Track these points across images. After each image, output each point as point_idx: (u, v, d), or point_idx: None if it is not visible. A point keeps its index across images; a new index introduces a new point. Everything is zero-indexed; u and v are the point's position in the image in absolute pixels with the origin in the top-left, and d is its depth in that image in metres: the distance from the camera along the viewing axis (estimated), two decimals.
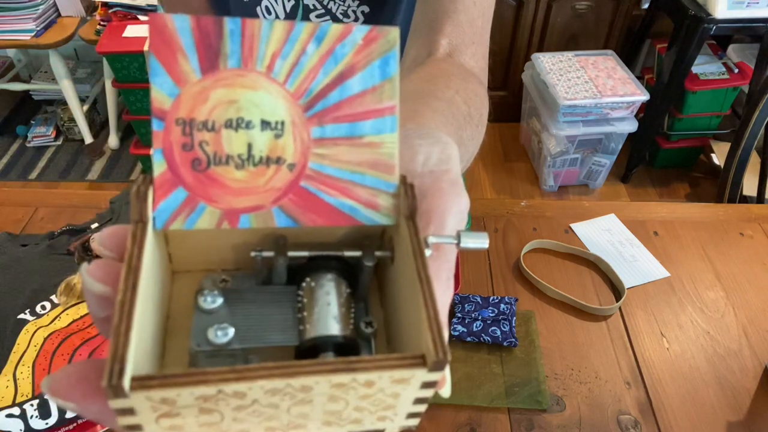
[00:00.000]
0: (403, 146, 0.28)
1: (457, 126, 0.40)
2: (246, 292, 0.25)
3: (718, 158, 2.32)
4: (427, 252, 0.23)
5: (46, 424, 0.64)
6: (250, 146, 0.23)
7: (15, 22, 2.16)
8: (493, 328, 0.77)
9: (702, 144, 2.33)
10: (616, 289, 0.85)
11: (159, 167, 0.23)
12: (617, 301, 0.83)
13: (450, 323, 0.77)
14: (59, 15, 2.31)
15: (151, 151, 0.24)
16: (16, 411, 0.64)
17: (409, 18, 0.59)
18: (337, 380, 0.19)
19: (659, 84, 2.14)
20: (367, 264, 0.25)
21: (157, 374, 0.18)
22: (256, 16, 0.71)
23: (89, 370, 0.20)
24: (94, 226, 0.89)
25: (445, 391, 0.24)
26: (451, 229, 0.26)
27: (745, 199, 1.71)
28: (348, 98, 0.24)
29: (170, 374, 0.18)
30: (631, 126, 2.06)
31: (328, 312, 0.24)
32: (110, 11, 2.18)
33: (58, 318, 0.75)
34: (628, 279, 0.86)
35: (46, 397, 0.65)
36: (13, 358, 0.70)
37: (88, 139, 2.56)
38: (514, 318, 0.78)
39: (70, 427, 0.64)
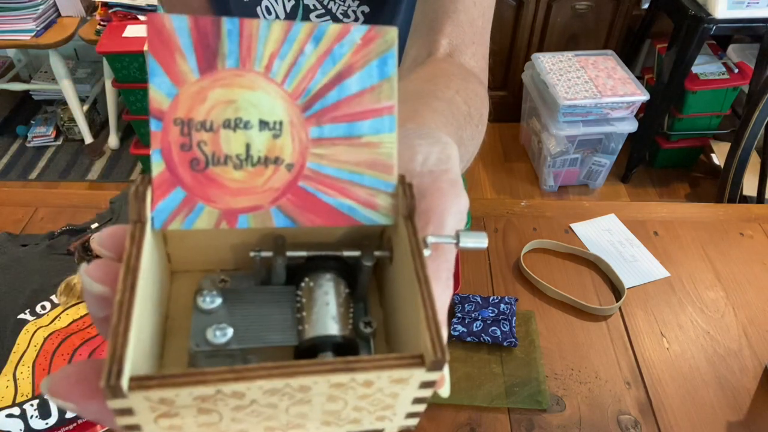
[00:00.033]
0: (402, 146, 0.28)
1: (457, 126, 0.40)
2: (245, 292, 0.25)
3: (718, 158, 2.32)
4: (426, 252, 0.23)
5: (46, 424, 0.64)
6: (248, 146, 0.23)
7: (15, 22, 2.16)
8: (493, 328, 0.77)
9: (702, 144, 2.33)
10: (616, 289, 0.85)
11: (157, 167, 0.23)
12: (617, 301, 0.83)
13: (450, 323, 0.77)
14: (59, 15, 2.31)
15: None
16: (16, 411, 0.64)
17: (409, 18, 0.59)
18: (335, 380, 0.19)
19: (659, 84, 2.14)
20: (366, 264, 0.25)
21: (156, 374, 0.18)
22: (256, 16, 0.71)
23: (88, 371, 0.20)
24: (94, 226, 0.89)
25: (444, 391, 0.24)
26: (450, 228, 0.26)
27: (745, 199, 1.71)
28: (346, 98, 0.24)
29: (168, 374, 0.18)
30: (631, 126, 2.06)
31: (326, 312, 0.24)
32: (110, 11, 2.18)
33: (58, 318, 0.75)
34: (628, 279, 0.86)
35: (46, 397, 0.65)
36: (13, 358, 0.70)
37: (88, 139, 2.56)
38: (514, 318, 0.78)
39: (70, 427, 0.64)
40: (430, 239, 0.24)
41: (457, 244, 0.25)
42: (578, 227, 0.95)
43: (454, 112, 0.41)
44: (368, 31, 0.23)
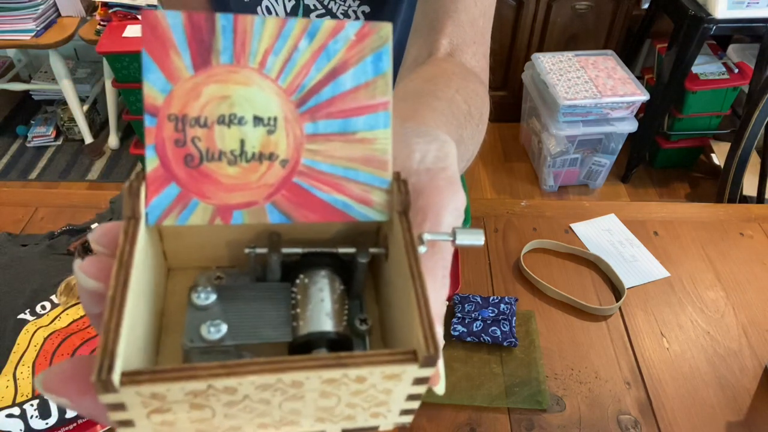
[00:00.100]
0: (400, 144, 0.28)
1: (457, 125, 0.40)
2: (239, 288, 0.25)
3: (718, 158, 2.32)
4: (423, 249, 0.23)
5: (46, 424, 0.64)
6: (242, 142, 0.23)
7: (15, 22, 2.16)
8: (493, 328, 0.77)
9: (702, 144, 2.33)
10: (616, 289, 0.85)
11: (151, 163, 0.23)
12: (617, 301, 0.83)
13: (450, 323, 0.77)
14: (59, 15, 2.31)
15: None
16: (16, 411, 0.64)
17: (410, 18, 0.59)
18: (327, 376, 0.19)
19: (659, 84, 2.14)
20: (361, 261, 0.25)
21: (147, 369, 0.18)
22: None
23: (83, 367, 0.20)
24: (93, 226, 0.89)
25: (440, 388, 0.24)
26: (447, 226, 0.26)
27: (745, 199, 1.71)
28: (341, 94, 0.24)
29: (160, 369, 0.18)
30: (631, 126, 2.06)
31: (321, 308, 0.24)
32: (110, 11, 2.18)
33: (58, 318, 0.75)
34: (628, 279, 0.86)
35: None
36: (13, 358, 0.70)
37: (88, 139, 2.56)
38: (514, 318, 0.78)
39: (70, 427, 0.64)
40: (426, 236, 0.24)
41: (453, 241, 0.25)
42: (578, 227, 0.95)
43: (454, 112, 0.41)
44: (362, 27, 0.23)
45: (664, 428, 0.69)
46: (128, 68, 2.08)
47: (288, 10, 0.70)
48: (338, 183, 0.24)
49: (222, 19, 0.22)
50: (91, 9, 2.32)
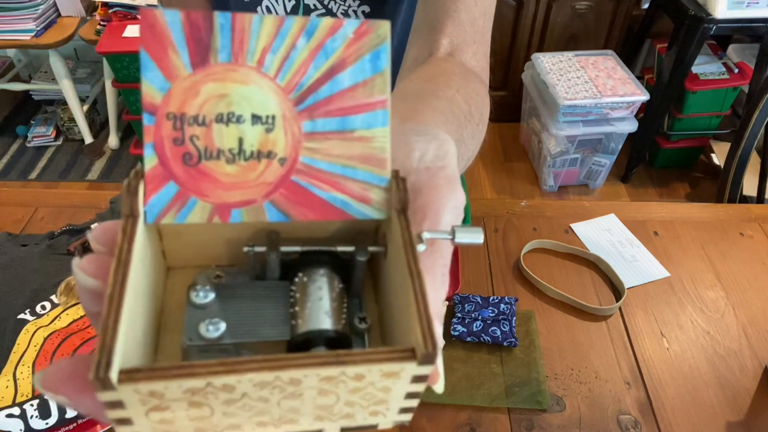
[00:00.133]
0: (399, 143, 0.28)
1: (457, 125, 0.40)
2: (238, 287, 0.25)
3: (718, 158, 2.32)
4: (422, 247, 0.23)
5: (46, 424, 0.64)
6: (241, 140, 0.23)
7: (15, 22, 2.16)
8: (493, 328, 0.77)
9: (702, 144, 2.33)
10: (616, 289, 0.85)
11: (150, 161, 0.23)
12: (617, 301, 0.83)
13: (450, 323, 0.77)
14: (59, 15, 2.31)
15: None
16: (16, 411, 0.64)
17: (410, 18, 0.59)
18: (325, 373, 0.19)
19: (659, 84, 2.14)
20: (360, 259, 0.25)
21: (145, 367, 0.18)
22: None
23: (82, 365, 0.20)
24: (93, 226, 0.89)
25: (439, 387, 0.24)
26: (446, 224, 0.26)
27: (745, 199, 1.71)
28: (339, 92, 0.24)
29: (158, 367, 0.18)
30: (631, 126, 2.06)
31: (319, 307, 0.24)
32: (110, 11, 2.18)
33: (58, 318, 0.75)
34: (628, 279, 0.86)
35: (46, 396, 0.65)
36: (13, 358, 0.70)
37: (88, 139, 2.56)
38: (514, 318, 0.78)
39: (70, 427, 0.64)
40: (425, 235, 0.24)
41: (452, 239, 0.25)
42: (578, 227, 0.95)
43: (454, 111, 0.41)
44: (360, 26, 0.23)
45: (664, 428, 0.68)
46: (128, 68, 2.08)
47: (288, 10, 0.70)
48: (337, 181, 0.24)
49: (220, 18, 0.22)
50: (91, 9, 2.32)
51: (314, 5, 0.69)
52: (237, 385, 0.19)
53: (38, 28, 2.18)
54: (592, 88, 2.02)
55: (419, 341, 0.20)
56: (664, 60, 2.11)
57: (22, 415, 0.64)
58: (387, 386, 0.21)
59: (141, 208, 0.23)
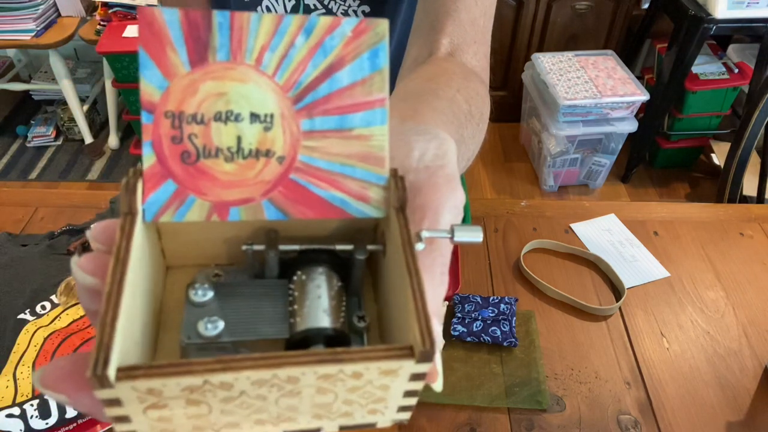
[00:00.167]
0: (399, 142, 0.28)
1: (458, 124, 0.40)
2: (237, 285, 0.25)
3: (718, 158, 2.32)
4: (420, 246, 0.23)
5: (46, 424, 0.64)
6: (239, 139, 0.23)
7: (15, 22, 2.16)
8: (493, 328, 0.77)
9: (702, 144, 2.33)
10: (616, 289, 0.85)
11: (148, 160, 0.23)
12: (617, 301, 0.83)
13: (450, 323, 0.77)
14: (59, 15, 2.31)
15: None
16: (16, 411, 0.64)
17: (410, 18, 0.59)
18: (323, 371, 0.19)
19: (659, 84, 2.14)
20: (359, 257, 0.25)
21: (143, 364, 0.18)
22: None
23: (81, 363, 0.20)
24: (93, 225, 0.89)
25: (438, 385, 0.24)
26: (445, 223, 0.26)
27: (745, 199, 1.71)
28: (337, 90, 0.24)
29: (156, 364, 0.18)
30: (631, 126, 2.06)
31: (318, 305, 0.24)
32: (110, 11, 2.18)
33: (58, 318, 0.75)
34: (628, 279, 0.86)
35: (46, 396, 0.65)
36: (13, 358, 0.70)
37: (88, 139, 2.56)
38: (514, 318, 0.78)
39: (70, 427, 0.64)
40: (425, 233, 0.24)
41: (451, 238, 0.25)
42: (578, 227, 0.95)
43: (455, 111, 0.41)
44: (359, 24, 0.23)
45: (664, 428, 0.68)
46: (128, 68, 2.08)
47: (288, 10, 0.70)
48: (335, 179, 0.24)
49: (218, 16, 0.22)
50: (91, 9, 2.32)
51: (314, 5, 0.69)
52: (234, 382, 0.19)
53: (38, 28, 2.18)
54: (592, 88, 2.02)
55: (417, 339, 0.20)
56: (664, 60, 2.11)
57: (22, 415, 0.64)
58: (385, 384, 0.21)
59: (140, 206, 0.23)
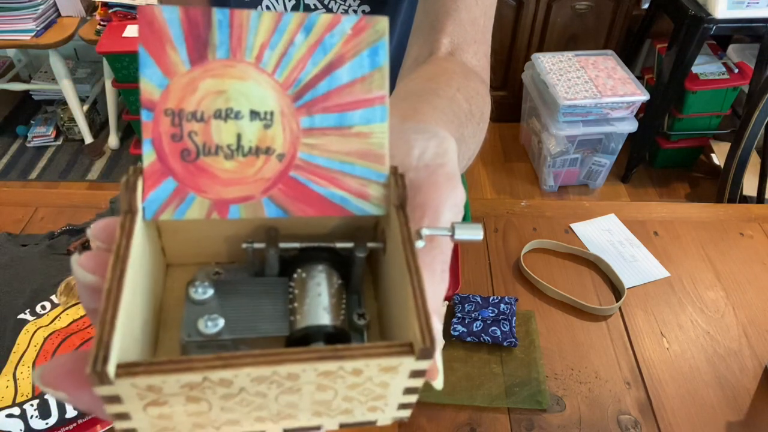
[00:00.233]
0: (399, 140, 0.28)
1: (458, 124, 0.40)
2: (237, 283, 0.25)
3: (718, 158, 2.32)
4: (421, 243, 0.23)
5: (46, 424, 0.64)
6: (239, 136, 0.23)
7: (15, 22, 2.16)
8: (493, 328, 0.77)
9: (702, 144, 2.33)
10: (616, 289, 0.85)
11: (148, 158, 0.23)
12: (617, 301, 0.83)
13: (450, 323, 0.77)
14: (59, 15, 2.31)
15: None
16: (16, 411, 0.64)
17: (410, 18, 0.59)
18: (323, 368, 0.19)
19: (659, 84, 2.14)
20: (359, 255, 0.25)
21: (143, 361, 0.18)
22: None
23: (80, 361, 0.20)
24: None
25: (438, 383, 0.24)
26: (445, 221, 0.26)
27: (745, 199, 1.71)
28: (337, 88, 0.24)
29: (156, 361, 0.18)
30: (631, 126, 2.06)
31: (318, 303, 0.24)
32: (110, 11, 2.18)
33: (58, 318, 0.75)
34: (628, 279, 0.86)
35: (46, 396, 0.65)
36: (13, 358, 0.70)
37: (88, 139, 2.56)
38: (514, 318, 0.78)
39: (70, 427, 0.64)
40: (425, 231, 0.24)
41: (452, 236, 0.25)
42: (578, 227, 0.95)
43: (455, 110, 0.41)
44: (359, 21, 0.23)
45: (664, 428, 0.68)
46: (128, 68, 2.08)
47: (288, 9, 0.70)
48: (335, 177, 0.24)
49: (218, 14, 0.22)
50: (91, 9, 2.32)
51: (314, 5, 0.69)
52: (234, 379, 0.19)
53: (38, 28, 2.18)
54: (592, 88, 2.02)
55: (417, 336, 0.20)
56: (664, 60, 2.11)
57: (22, 415, 0.64)
58: (385, 381, 0.21)
59: (140, 204, 0.23)
